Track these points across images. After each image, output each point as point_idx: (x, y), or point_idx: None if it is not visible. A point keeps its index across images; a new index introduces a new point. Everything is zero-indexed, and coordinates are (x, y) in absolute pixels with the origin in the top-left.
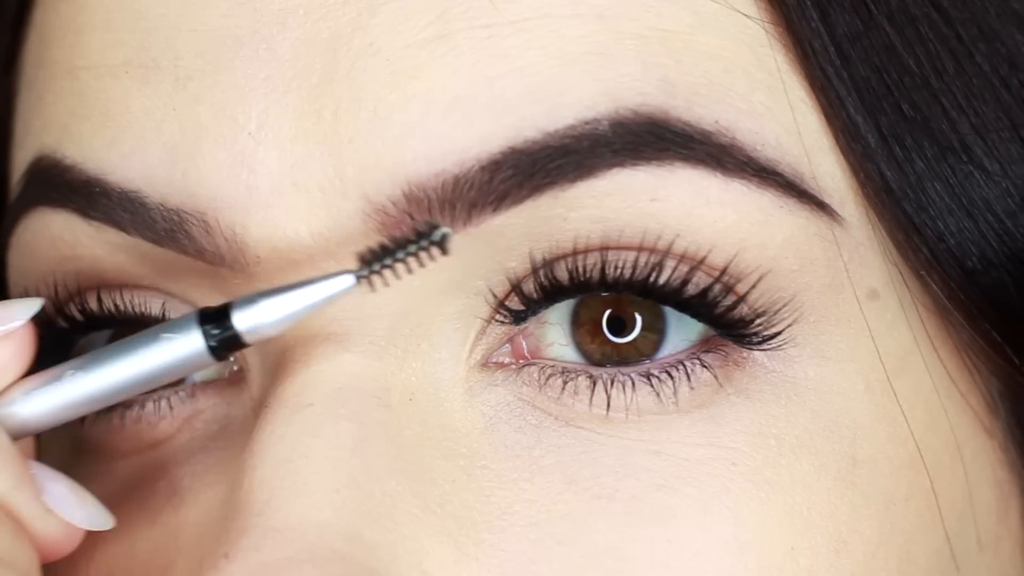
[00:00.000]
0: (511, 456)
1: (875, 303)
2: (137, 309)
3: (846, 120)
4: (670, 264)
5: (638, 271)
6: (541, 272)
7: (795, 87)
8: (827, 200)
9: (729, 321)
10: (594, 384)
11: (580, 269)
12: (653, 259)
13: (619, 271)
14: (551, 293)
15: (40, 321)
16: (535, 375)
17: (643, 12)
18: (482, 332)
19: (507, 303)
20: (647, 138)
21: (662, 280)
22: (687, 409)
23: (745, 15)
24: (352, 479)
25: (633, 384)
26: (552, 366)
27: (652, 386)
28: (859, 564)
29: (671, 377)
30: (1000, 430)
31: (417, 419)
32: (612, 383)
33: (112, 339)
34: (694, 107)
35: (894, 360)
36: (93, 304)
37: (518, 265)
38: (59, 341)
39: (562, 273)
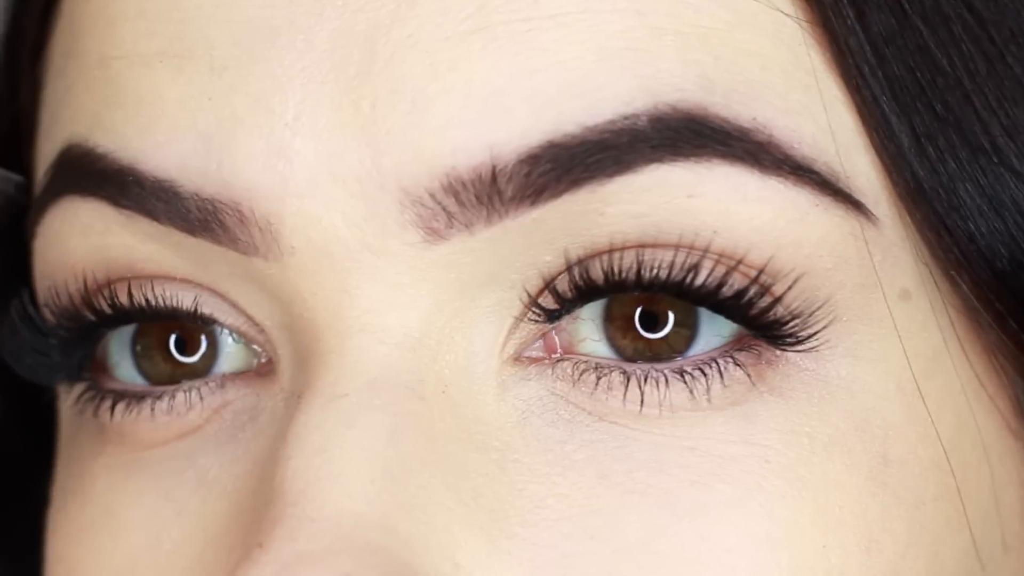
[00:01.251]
0: (544, 450)
1: (907, 304)
2: (169, 303)
3: (880, 119)
4: (707, 265)
5: (674, 272)
6: (576, 271)
7: (830, 86)
8: (862, 199)
9: (764, 323)
10: (628, 380)
11: (615, 269)
12: (690, 260)
13: (655, 272)
14: (585, 292)
15: (67, 315)
16: (568, 370)
17: (682, 8)
18: (515, 326)
19: (541, 301)
20: (685, 134)
21: (698, 281)
22: (720, 406)
23: (783, 13)
24: (387, 470)
25: (667, 381)
26: (586, 362)
27: (685, 383)
28: (889, 564)
29: (704, 374)
30: None
31: (451, 412)
32: (646, 379)
33: (137, 334)
34: (732, 104)
35: (924, 361)
36: (123, 297)
37: (553, 260)
38: (86, 334)
39: (597, 273)
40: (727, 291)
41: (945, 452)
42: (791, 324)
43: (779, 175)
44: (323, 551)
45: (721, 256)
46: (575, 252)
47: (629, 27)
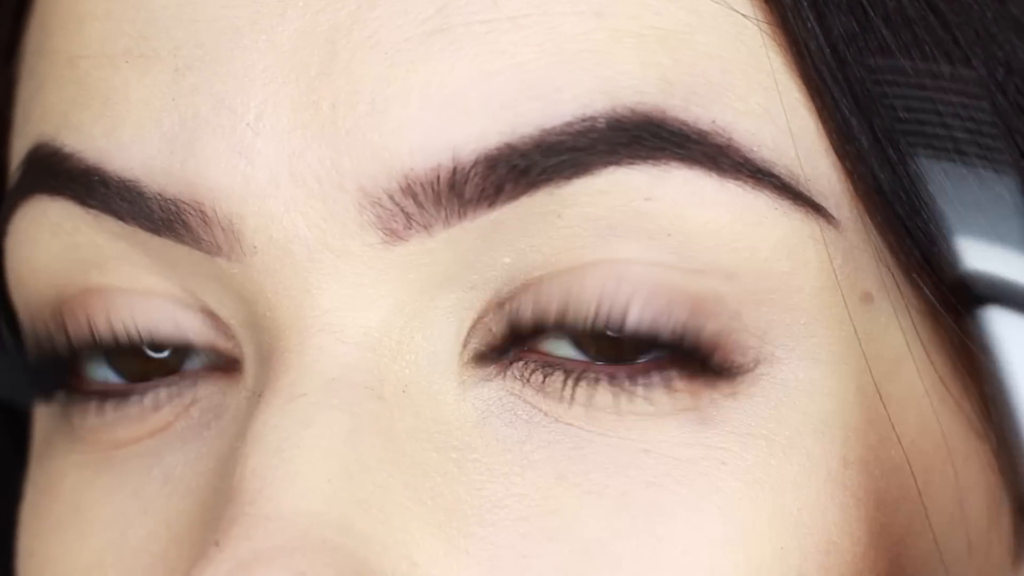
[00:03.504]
0: (502, 450)
1: (868, 306)
2: (146, 335)
3: (840, 122)
4: (634, 311)
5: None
6: (506, 314)
7: (791, 89)
8: (822, 202)
9: (697, 349)
10: (583, 381)
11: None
12: (614, 313)
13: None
14: (517, 337)
15: (45, 351)
16: (526, 371)
17: (642, 11)
18: (475, 328)
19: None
20: (643, 136)
21: (628, 327)
22: (674, 411)
23: (743, 15)
24: (344, 469)
25: (620, 383)
26: (536, 362)
27: (639, 385)
28: (849, 566)
29: (660, 377)
30: (994, 436)
31: (410, 411)
32: (598, 381)
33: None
34: (691, 107)
35: (887, 363)
36: (103, 330)
37: (512, 262)
38: (62, 365)
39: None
40: (664, 333)
41: (906, 455)
42: (728, 362)
43: (738, 178)
44: (278, 549)
45: (671, 267)
46: (522, 276)
47: (588, 29)
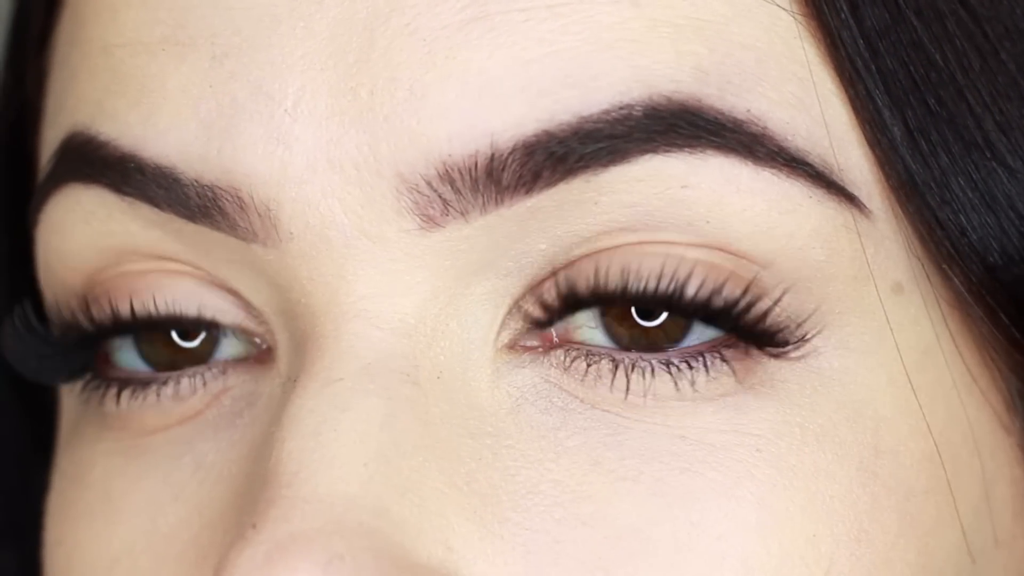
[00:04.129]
0: (537, 436)
1: (899, 297)
2: (171, 310)
3: (873, 113)
4: (697, 277)
5: (662, 284)
6: (562, 284)
7: (824, 79)
8: (855, 192)
9: (755, 333)
10: (616, 368)
11: (602, 283)
12: (681, 271)
13: (643, 285)
14: (573, 304)
15: (70, 328)
16: (561, 358)
17: (678, 1)
18: (510, 315)
19: (529, 310)
20: (680, 125)
21: (689, 293)
22: (710, 397)
23: (778, 6)
24: (380, 453)
25: (653, 370)
26: (577, 349)
27: (671, 374)
28: (879, 554)
29: (691, 367)
30: (1019, 429)
31: (445, 397)
32: (633, 368)
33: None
34: (727, 95)
35: (916, 354)
36: (125, 311)
37: (548, 248)
38: (89, 343)
39: (583, 289)
40: (718, 301)
41: (936, 445)
42: (781, 333)
43: (773, 167)
44: (316, 532)
45: (712, 247)
46: (562, 257)
47: (625, 18)
